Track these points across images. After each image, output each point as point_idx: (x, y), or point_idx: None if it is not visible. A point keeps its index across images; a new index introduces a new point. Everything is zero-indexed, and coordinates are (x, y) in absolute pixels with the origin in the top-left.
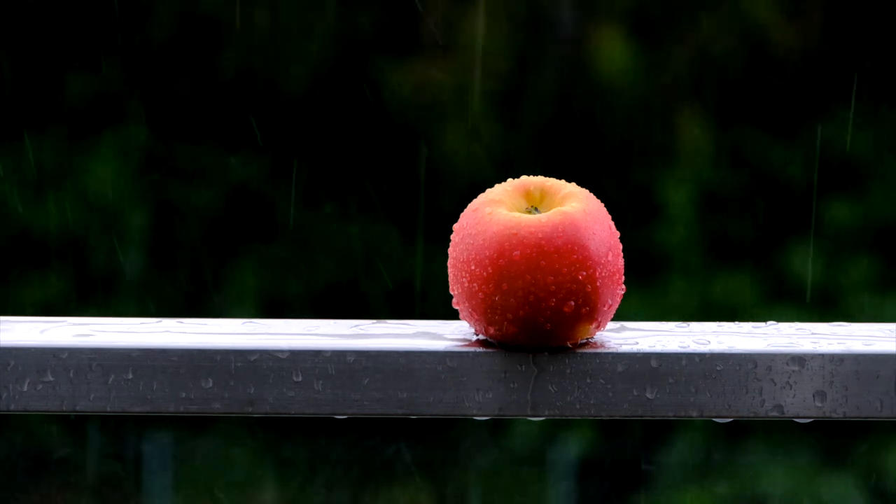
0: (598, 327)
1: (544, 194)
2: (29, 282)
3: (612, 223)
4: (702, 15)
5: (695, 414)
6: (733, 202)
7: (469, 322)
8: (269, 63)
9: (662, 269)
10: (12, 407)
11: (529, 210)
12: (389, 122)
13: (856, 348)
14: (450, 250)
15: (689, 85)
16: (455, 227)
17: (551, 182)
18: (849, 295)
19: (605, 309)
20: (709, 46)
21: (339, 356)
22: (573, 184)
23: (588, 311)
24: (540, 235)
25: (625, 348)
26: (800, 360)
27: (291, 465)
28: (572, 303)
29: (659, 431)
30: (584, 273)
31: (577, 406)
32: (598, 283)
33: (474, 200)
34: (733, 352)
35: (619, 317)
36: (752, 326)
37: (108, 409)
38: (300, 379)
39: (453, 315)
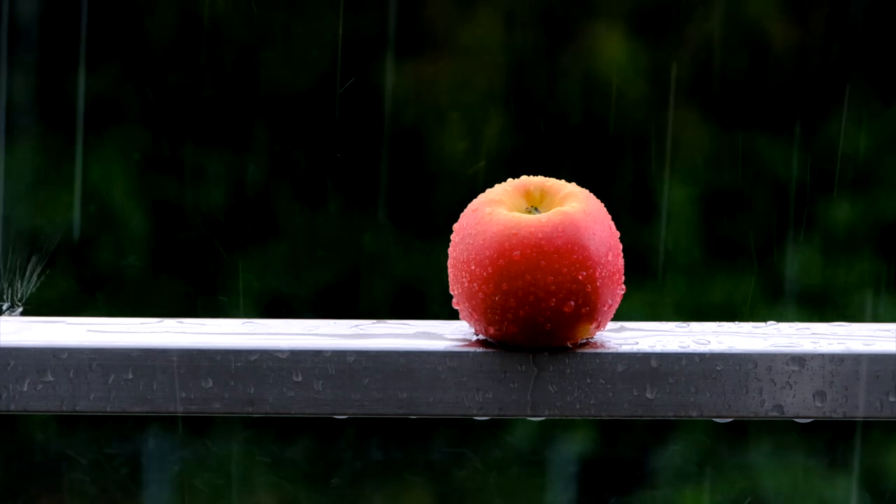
0: (598, 327)
1: (544, 194)
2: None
3: (612, 223)
4: (702, 14)
5: (695, 414)
6: (733, 202)
7: (469, 322)
8: (269, 63)
9: (662, 268)
10: (12, 407)
11: (529, 210)
12: (389, 122)
13: (856, 348)
14: (450, 250)
15: (690, 85)
16: (455, 227)
17: (551, 182)
18: (849, 295)
19: (605, 309)
20: (709, 46)
21: (339, 356)
22: (573, 184)
23: (588, 311)
24: (540, 235)
25: (625, 348)
26: (800, 360)
27: (291, 465)
28: (572, 303)
29: (659, 431)
30: (584, 273)
31: (577, 406)
32: (598, 283)
33: (474, 200)
34: (733, 352)
35: (619, 317)
36: (752, 326)
37: (108, 409)
38: (300, 379)
39: (453, 315)
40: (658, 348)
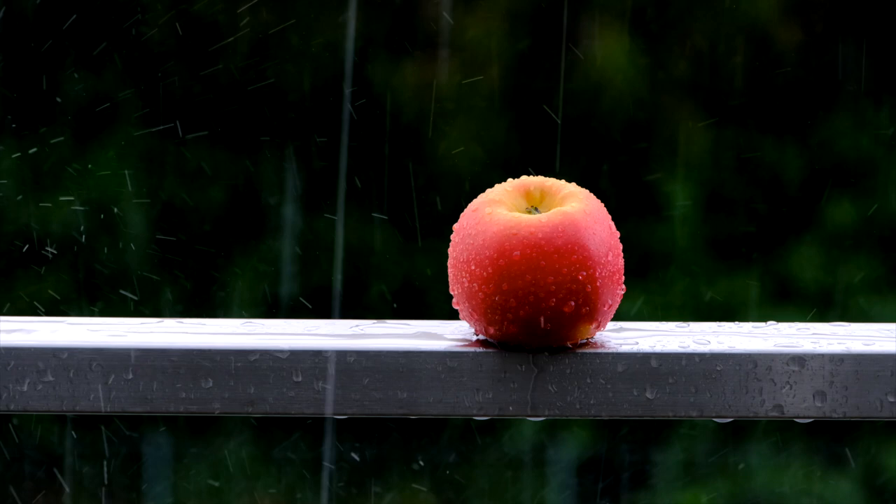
0: (598, 327)
1: (544, 194)
2: (29, 282)
3: (612, 223)
4: (702, 14)
5: (695, 414)
6: (734, 202)
7: (469, 322)
8: (269, 62)
9: (662, 268)
10: (12, 407)
11: (529, 210)
12: (389, 122)
13: (856, 348)
14: (450, 250)
15: (690, 84)
16: (455, 227)
17: (551, 182)
18: (849, 295)
19: (605, 309)
20: (709, 46)
21: (339, 356)
22: (573, 184)
23: (588, 311)
24: (540, 235)
25: (625, 348)
26: (800, 360)
27: (291, 465)
28: (572, 303)
29: (659, 431)
30: (585, 273)
31: (577, 406)
32: (598, 283)
33: (474, 200)
34: (733, 352)
35: (619, 317)
36: (752, 326)
37: (108, 409)
38: (300, 379)
39: (453, 315)
40: (658, 348)
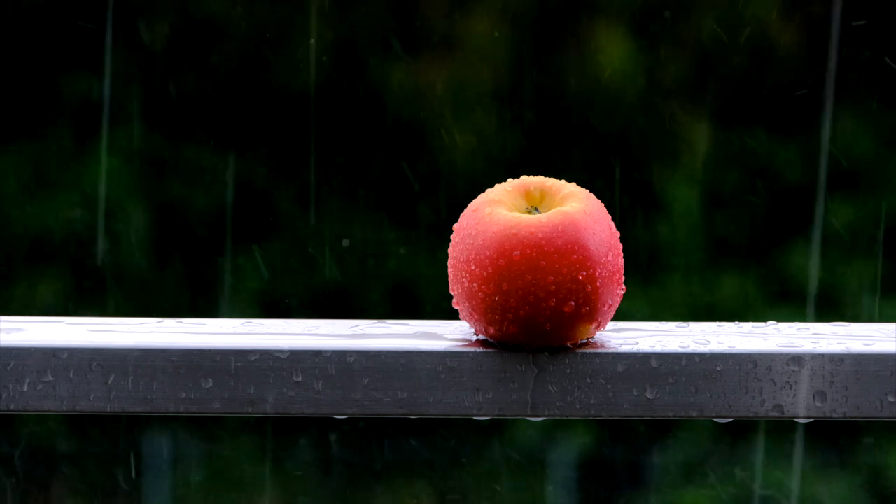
0: (598, 327)
1: (544, 194)
2: (29, 282)
3: (612, 223)
4: (702, 14)
5: (695, 414)
6: (734, 202)
7: (469, 322)
8: (268, 62)
9: (662, 269)
10: (12, 407)
11: (529, 210)
12: (389, 122)
13: (856, 348)
14: (450, 250)
15: (690, 84)
16: (455, 227)
17: (551, 182)
18: (849, 295)
19: (605, 309)
20: (709, 46)
21: (339, 356)
22: (573, 184)
23: (588, 311)
24: (540, 235)
25: (625, 348)
26: (800, 360)
27: (291, 465)
28: (572, 303)
29: (659, 431)
30: (585, 273)
31: (578, 406)
32: (598, 283)
33: (474, 200)
34: (733, 352)
35: (619, 317)
36: (752, 326)
37: (108, 409)
38: (300, 379)
39: (453, 315)
40: (658, 348)
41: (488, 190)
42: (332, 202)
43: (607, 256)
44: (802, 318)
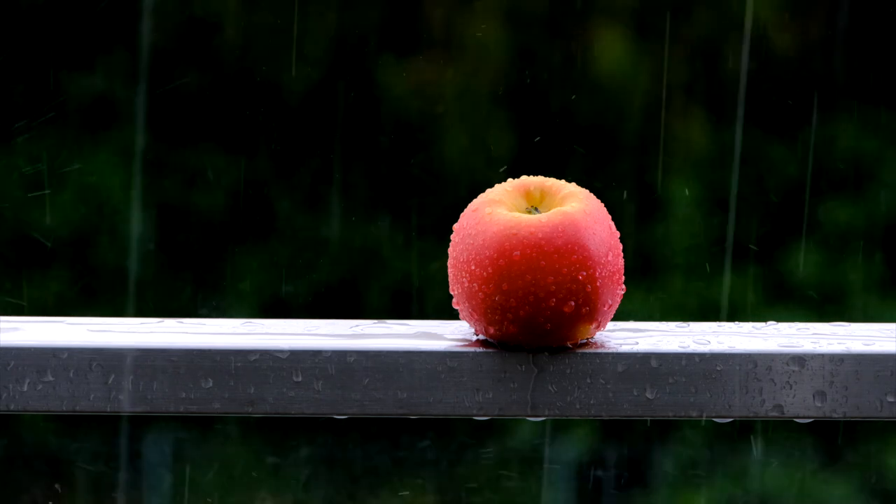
0: (598, 327)
1: (544, 194)
2: (29, 282)
3: (612, 223)
4: (702, 14)
5: (695, 414)
6: (734, 202)
7: (469, 322)
8: (269, 63)
9: (662, 269)
10: (12, 407)
11: (529, 210)
12: (389, 122)
13: (856, 348)
14: (450, 250)
15: (690, 84)
16: (455, 227)
17: (551, 182)
18: (849, 295)
19: (605, 309)
20: (709, 46)
21: (339, 356)
22: (573, 184)
23: (588, 311)
24: (540, 235)
25: (625, 348)
26: (800, 360)
27: (291, 465)
28: (572, 303)
29: (659, 431)
30: (585, 273)
31: (577, 406)
32: (598, 283)
33: (474, 200)
34: (733, 352)
35: (619, 317)
36: (752, 326)
37: (108, 409)
38: (300, 379)
39: (453, 315)
40: (658, 348)
41: (488, 190)
42: (332, 202)
43: (607, 256)
44: (802, 318)
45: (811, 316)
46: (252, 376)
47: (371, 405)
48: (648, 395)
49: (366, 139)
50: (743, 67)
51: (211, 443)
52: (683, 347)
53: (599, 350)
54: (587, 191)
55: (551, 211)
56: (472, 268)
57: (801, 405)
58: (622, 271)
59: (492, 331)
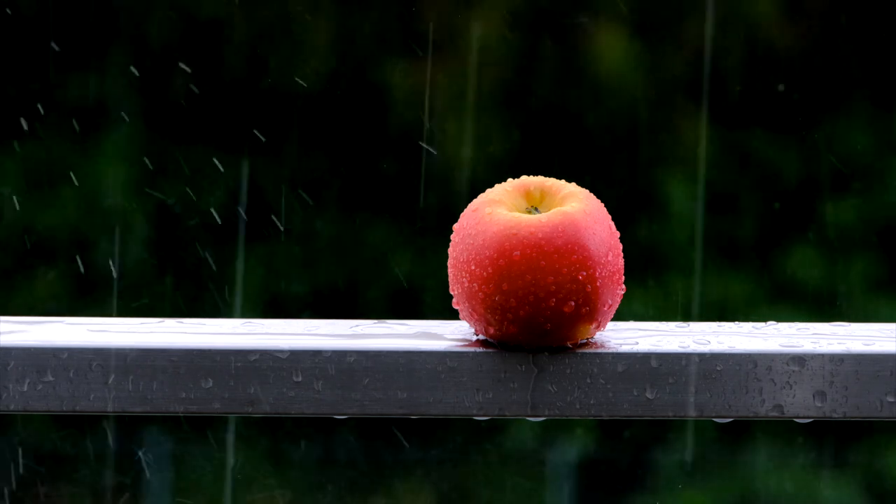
0: (598, 327)
1: (544, 194)
2: (29, 282)
3: (612, 223)
4: (702, 14)
5: (695, 414)
6: (734, 202)
7: (469, 322)
8: (269, 63)
9: (662, 269)
10: (12, 407)
11: (529, 210)
12: (390, 122)
13: (856, 348)
14: (450, 250)
15: (690, 84)
16: (455, 227)
17: (551, 182)
18: (849, 295)
19: (605, 309)
20: (709, 46)
21: (339, 356)
22: (573, 184)
23: (588, 311)
24: (540, 235)
25: (625, 348)
26: (800, 360)
27: (291, 466)
28: (572, 303)
29: (659, 431)
30: (585, 273)
31: (577, 406)
32: (598, 283)
33: (474, 200)
34: (733, 352)
35: (619, 317)
36: (752, 326)
37: (108, 409)
38: (300, 379)
39: (453, 315)
40: (658, 348)
41: (488, 190)
42: (332, 202)
43: (607, 256)
44: (802, 318)
45: (811, 316)
46: (252, 376)
47: (371, 405)
48: (648, 395)
49: (366, 139)
50: (743, 67)
51: (211, 443)
52: (683, 347)
53: (599, 350)
54: (587, 191)
55: (551, 211)
56: (472, 268)
57: (801, 405)
58: (622, 271)
59: (492, 331)
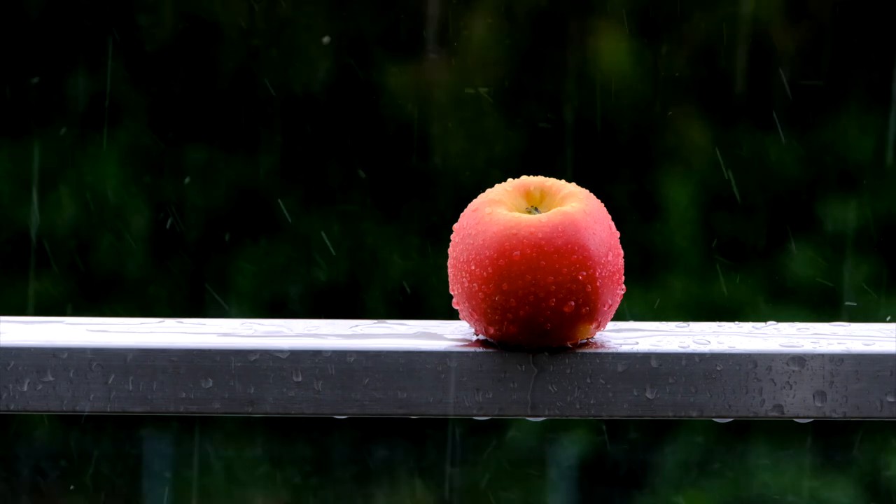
0: (598, 327)
1: (544, 194)
2: (28, 282)
3: (612, 223)
4: (702, 14)
5: (695, 414)
6: (734, 202)
7: (469, 322)
8: (269, 63)
9: (662, 269)
10: (12, 407)
11: (529, 210)
12: (389, 122)
13: (856, 348)
14: (450, 250)
15: (689, 84)
16: (455, 227)
17: (551, 182)
18: (849, 295)
19: (605, 309)
20: (709, 46)
21: (339, 356)
22: (573, 184)
23: (588, 311)
24: (540, 235)
25: (625, 348)
26: (800, 360)
27: (291, 465)
28: (572, 303)
29: (659, 431)
30: (585, 273)
31: (577, 406)
32: (598, 283)
33: (474, 200)
34: (733, 352)
35: (619, 317)
36: (752, 326)
37: (108, 409)
38: (300, 379)
39: (453, 315)
40: (658, 348)
41: (488, 190)
42: (332, 202)
43: (607, 256)
44: (802, 318)
45: (811, 316)
46: (252, 376)
47: (371, 405)
48: (648, 395)
49: (366, 138)
50: (743, 67)
51: (211, 443)
52: (683, 347)
53: (599, 350)
54: (587, 191)
55: (551, 211)
56: (472, 268)
57: (801, 405)
58: (622, 271)
59: (492, 331)
